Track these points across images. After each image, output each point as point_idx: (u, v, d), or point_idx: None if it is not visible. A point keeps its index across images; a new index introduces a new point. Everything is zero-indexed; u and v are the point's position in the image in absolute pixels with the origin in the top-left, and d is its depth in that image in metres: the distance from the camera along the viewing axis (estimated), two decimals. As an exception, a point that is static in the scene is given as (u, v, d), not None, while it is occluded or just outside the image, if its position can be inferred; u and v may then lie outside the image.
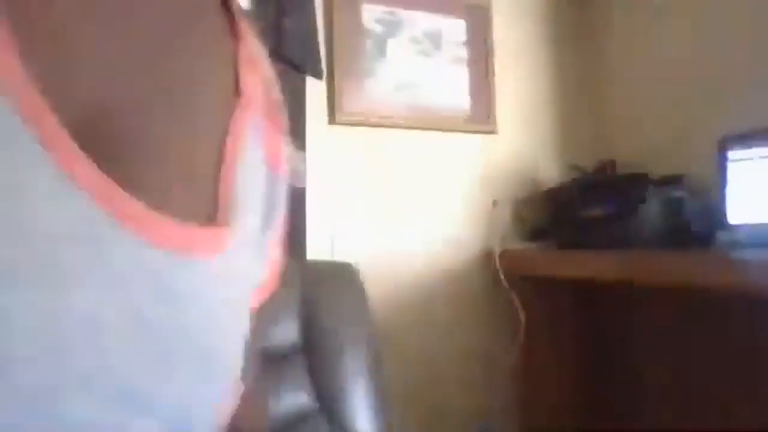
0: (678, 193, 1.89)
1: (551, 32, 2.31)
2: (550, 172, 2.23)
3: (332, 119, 1.95)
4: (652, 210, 1.85)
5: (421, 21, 2.09)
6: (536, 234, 2.13)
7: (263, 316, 0.52)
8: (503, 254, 2.08)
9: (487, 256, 2.11)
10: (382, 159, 2.03)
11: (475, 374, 2.08)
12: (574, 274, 1.88)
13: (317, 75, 1.89)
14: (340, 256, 1.88)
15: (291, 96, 1.87)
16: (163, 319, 0.34)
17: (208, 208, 0.38)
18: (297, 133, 1.87)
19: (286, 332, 1.53)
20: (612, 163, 2.16)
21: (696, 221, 1.84)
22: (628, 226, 1.88)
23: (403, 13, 2.07)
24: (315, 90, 1.92)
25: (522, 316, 2.06)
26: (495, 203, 2.14)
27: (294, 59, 1.85)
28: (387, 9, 2.04)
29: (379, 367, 1.59)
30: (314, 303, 1.59)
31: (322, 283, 1.65)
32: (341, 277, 1.67)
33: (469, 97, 2.14)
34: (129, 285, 0.32)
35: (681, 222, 1.84)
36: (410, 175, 2.06)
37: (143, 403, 0.33)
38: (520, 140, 2.23)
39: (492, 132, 2.17)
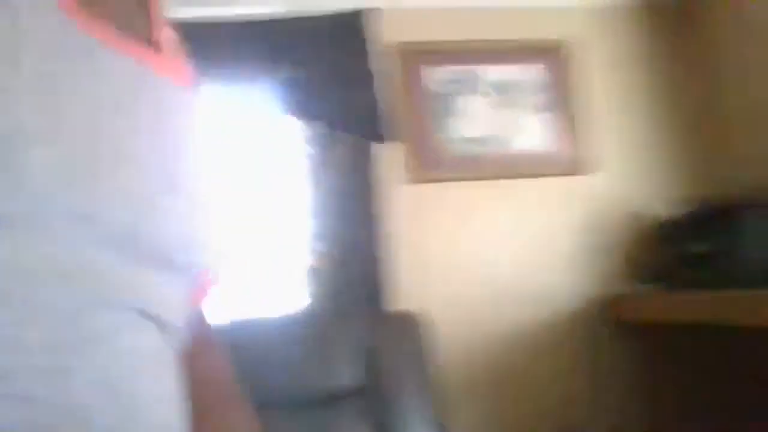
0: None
1: (649, 64, 2.21)
2: (657, 211, 2.07)
3: (410, 178, 2.04)
4: (749, 242, 1.66)
5: (492, 74, 2.14)
6: (647, 276, 1.98)
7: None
8: (613, 301, 1.95)
9: (592, 303, 2.00)
10: (464, 212, 2.05)
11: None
12: (688, 318, 1.71)
13: (383, 140, 2.01)
14: (434, 310, 1.91)
15: (362, 160, 2.01)
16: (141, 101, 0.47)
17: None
18: (371, 193, 1.99)
19: (353, 373, 1.60)
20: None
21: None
22: (729, 262, 1.69)
23: (471, 69, 2.14)
24: (391, 154, 2.03)
25: (641, 369, 1.90)
26: (597, 247, 2.04)
27: (361, 131, 2.00)
28: (454, 68, 2.13)
29: (437, 408, 1.59)
30: (377, 349, 1.65)
31: (387, 331, 1.71)
32: (404, 325, 1.71)
33: (551, 140, 2.11)
34: (111, 79, 0.45)
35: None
36: (497, 225, 2.06)
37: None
38: (618, 180, 2.11)
39: (579, 173, 2.09)
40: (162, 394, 0.46)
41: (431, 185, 2.05)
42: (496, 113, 2.13)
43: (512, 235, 2.05)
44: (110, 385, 0.40)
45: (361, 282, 1.91)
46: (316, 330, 1.66)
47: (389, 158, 2.04)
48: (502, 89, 2.15)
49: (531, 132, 2.12)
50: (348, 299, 1.89)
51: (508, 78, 2.16)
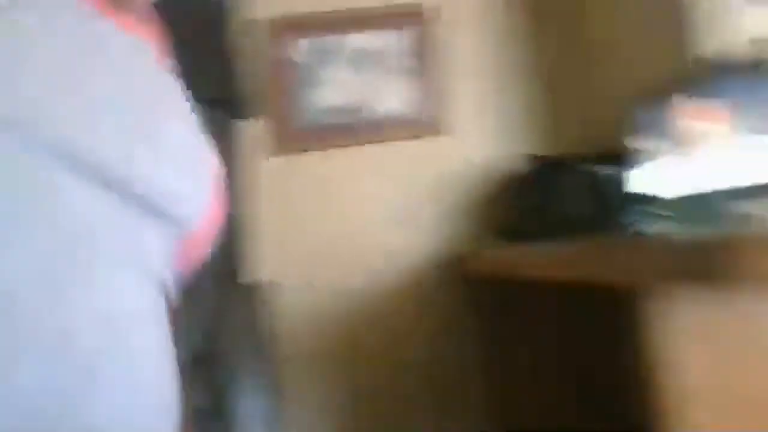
0: (607, 171, 1.74)
1: (507, 26, 2.23)
2: (511, 169, 2.13)
3: (272, 151, 2.12)
4: (568, 195, 1.73)
5: (356, 41, 2.19)
6: (498, 233, 2.06)
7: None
8: (461, 258, 2.04)
9: (449, 262, 2.09)
10: (329, 181, 2.13)
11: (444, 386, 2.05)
12: (521, 273, 1.80)
13: (245, 116, 2.08)
14: (294, 279, 2.02)
15: (222, 136, 2.09)
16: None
17: None
18: (234, 168, 2.07)
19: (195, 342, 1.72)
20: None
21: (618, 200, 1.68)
22: (549, 215, 1.77)
23: (334, 39, 2.19)
24: (255, 128, 2.11)
25: (492, 321, 2.00)
26: (456, 206, 2.12)
27: (221, 108, 2.07)
28: (317, 39, 2.18)
29: (273, 374, 1.70)
30: (219, 319, 1.76)
31: (230, 302, 1.81)
32: (247, 295, 1.81)
33: (416, 104, 2.17)
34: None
35: (603, 203, 1.70)
36: (362, 192, 2.14)
37: None
38: (475, 140, 2.18)
39: (439, 134, 2.16)
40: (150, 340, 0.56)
41: (295, 156, 2.13)
42: (360, 81, 2.18)
43: (375, 200, 2.13)
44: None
45: (223, 256, 2.01)
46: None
47: (253, 132, 2.11)
48: (366, 56, 2.19)
49: (393, 97, 2.18)
50: (209, 273, 1.99)
51: (372, 45, 2.20)
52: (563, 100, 2.17)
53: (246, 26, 2.13)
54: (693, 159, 1.61)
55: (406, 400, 2.03)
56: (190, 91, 2.05)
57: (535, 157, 1.88)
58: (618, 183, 1.70)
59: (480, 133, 2.17)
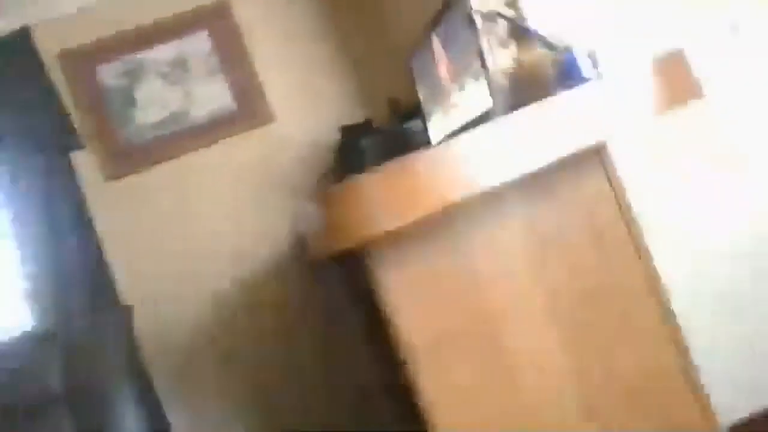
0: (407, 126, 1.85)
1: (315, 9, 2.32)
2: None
3: (106, 176, 2.17)
4: (369, 154, 1.84)
5: (163, 53, 2.24)
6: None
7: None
8: (301, 238, 2.14)
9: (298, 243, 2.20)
10: (167, 193, 2.19)
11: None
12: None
13: (73, 148, 2.14)
14: (150, 298, 2.10)
15: (58, 172, 2.14)
16: None
17: None
18: (75, 200, 2.13)
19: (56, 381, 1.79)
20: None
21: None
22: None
23: (141, 57, 2.23)
24: (83, 158, 2.16)
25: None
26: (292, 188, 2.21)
27: (50, 145, 2.13)
28: (124, 60, 2.22)
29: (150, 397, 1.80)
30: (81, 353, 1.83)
31: (88, 333, 1.89)
32: (109, 323, 1.89)
33: (230, 101, 2.24)
34: None
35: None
36: (201, 196, 2.21)
37: None
38: (297, 122, 2.25)
39: (262, 125, 2.23)
40: None
41: (128, 178, 2.18)
42: (174, 90, 2.24)
43: (215, 202, 2.20)
44: None
45: (82, 287, 2.08)
46: (24, 347, 1.82)
47: (85, 162, 2.16)
48: (175, 65, 2.25)
49: (210, 99, 2.24)
50: (75, 306, 2.07)
51: (179, 53, 2.25)
52: (365, 66, 2.27)
53: (52, 62, 2.17)
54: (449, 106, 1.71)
55: (282, 381, 2.15)
56: (18, 138, 2.07)
57: (344, 127, 1.97)
58: (416, 135, 1.81)
59: (301, 115, 2.26)
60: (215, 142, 2.22)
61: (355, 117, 2.18)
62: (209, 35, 2.27)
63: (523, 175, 0.98)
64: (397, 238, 1.03)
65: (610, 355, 1.11)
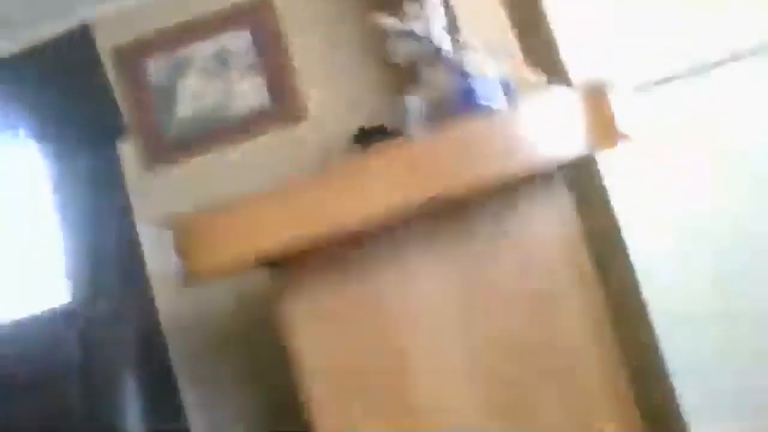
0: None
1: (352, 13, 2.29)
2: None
3: (146, 166, 2.29)
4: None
5: (205, 49, 2.32)
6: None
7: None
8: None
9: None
10: (205, 186, 2.27)
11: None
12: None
13: (124, 138, 2.28)
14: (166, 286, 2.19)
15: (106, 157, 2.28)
16: None
17: None
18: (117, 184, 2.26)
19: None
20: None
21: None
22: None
23: (185, 52, 2.32)
24: (126, 148, 2.29)
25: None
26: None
27: (101, 138, 2.27)
28: (170, 55, 2.32)
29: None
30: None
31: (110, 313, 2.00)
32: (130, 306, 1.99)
33: (268, 98, 2.28)
34: None
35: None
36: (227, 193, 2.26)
37: None
38: (330, 120, 2.26)
39: (301, 120, 2.24)
40: None
41: (165, 169, 2.28)
42: (214, 85, 2.30)
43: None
44: None
45: (114, 270, 2.21)
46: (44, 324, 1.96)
47: (128, 152, 2.29)
48: (217, 61, 2.31)
49: (248, 95, 2.28)
50: (104, 287, 2.20)
51: (219, 48, 2.31)
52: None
53: (103, 56, 2.31)
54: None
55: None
56: (71, 131, 2.23)
57: (360, 128, 1.95)
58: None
59: (333, 115, 2.25)
60: (251, 137, 2.27)
61: (389, 122, 2.14)
62: (251, 32, 2.31)
63: (431, 199, 0.90)
64: (300, 259, 1.00)
65: (540, 419, 0.98)
